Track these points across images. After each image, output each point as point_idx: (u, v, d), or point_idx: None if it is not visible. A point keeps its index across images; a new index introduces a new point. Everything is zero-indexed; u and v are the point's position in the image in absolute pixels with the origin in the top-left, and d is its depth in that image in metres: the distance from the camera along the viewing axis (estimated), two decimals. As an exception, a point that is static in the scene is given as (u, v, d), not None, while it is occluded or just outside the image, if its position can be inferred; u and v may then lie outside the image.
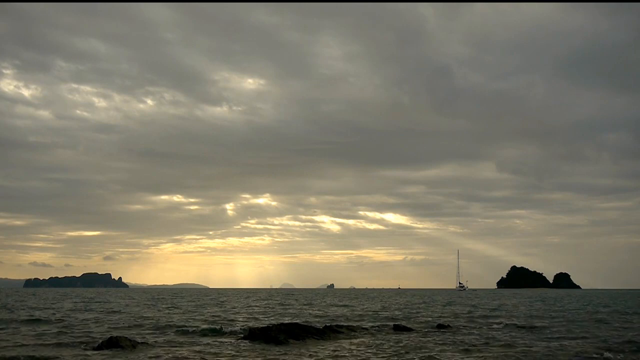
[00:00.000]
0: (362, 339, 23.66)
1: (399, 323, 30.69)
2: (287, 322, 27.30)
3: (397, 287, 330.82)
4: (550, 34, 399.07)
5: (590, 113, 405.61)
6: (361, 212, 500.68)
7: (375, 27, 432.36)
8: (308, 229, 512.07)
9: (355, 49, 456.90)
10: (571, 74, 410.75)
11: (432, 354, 19.38)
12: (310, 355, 18.98)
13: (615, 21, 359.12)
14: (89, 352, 19.55)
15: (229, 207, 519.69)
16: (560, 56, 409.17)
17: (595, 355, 19.34)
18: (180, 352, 19.46)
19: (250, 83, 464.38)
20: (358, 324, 30.93)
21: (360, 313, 42.50)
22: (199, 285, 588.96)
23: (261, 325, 26.40)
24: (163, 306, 53.85)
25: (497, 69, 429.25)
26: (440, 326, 29.94)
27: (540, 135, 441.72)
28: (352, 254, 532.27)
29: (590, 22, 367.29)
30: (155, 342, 22.04)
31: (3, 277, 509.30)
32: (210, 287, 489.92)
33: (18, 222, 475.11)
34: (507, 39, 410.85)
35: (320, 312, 43.66)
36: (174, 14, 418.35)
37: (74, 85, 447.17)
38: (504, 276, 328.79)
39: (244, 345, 21.45)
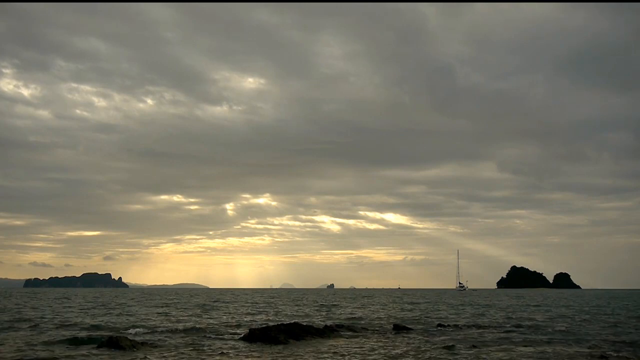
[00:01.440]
0: (362, 339, 23.67)
1: (398, 323, 30.73)
2: (287, 322, 27.30)
3: (397, 287, 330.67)
4: (551, 33, 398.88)
5: (590, 113, 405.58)
6: (361, 212, 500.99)
7: (376, 27, 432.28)
8: (308, 229, 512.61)
9: (356, 48, 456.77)
10: (572, 74, 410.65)
11: (431, 353, 19.40)
12: (310, 355, 18.99)
13: (616, 21, 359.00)
14: (89, 352, 19.57)
15: (229, 207, 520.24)
16: (561, 56, 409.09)
17: (594, 356, 19.35)
18: (180, 353, 19.48)
19: (250, 82, 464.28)
20: (358, 323, 30.95)
21: (360, 313, 42.51)
22: (199, 285, 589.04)
23: (261, 326, 26.42)
24: (163, 306, 53.87)
25: (497, 68, 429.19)
26: (440, 326, 29.97)
27: (540, 135, 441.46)
28: (352, 254, 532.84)
29: (591, 22, 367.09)
30: (155, 342, 22.04)
31: (3, 277, 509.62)
32: (210, 287, 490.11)
33: (18, 222, 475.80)
34: (508, 39, 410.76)
35: (320, 312, 43.68)
36: (174, 14, 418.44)
37: (74, 85, 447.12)
38: (504, 276, 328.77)
39: (244, 346, 21.47)
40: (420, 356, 18.91)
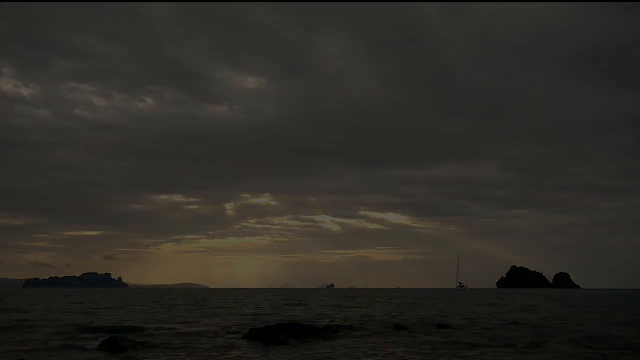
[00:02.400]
0: (363, 339, 23.65)
1: (399, 323, 30.71)
2: (287, 322, 27.28)
3: (397, 287, 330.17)
4: (553, 33, 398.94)
5: (591, 112, 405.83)
6: (361, 212, 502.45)
7: (377, 26, 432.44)
8: (308, 229, 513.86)
9: (357, 47, 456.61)
10: (573, 74, 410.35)
11: (432, 353, 19.39)
12: (310, 355, 18.98)
13: (620, 20, 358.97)
14: (89, 353, 19.56)
15: (229, 207, 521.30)
16: (562, 56, 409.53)
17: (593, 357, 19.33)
18: (180, 353, 19.47)
19: (251, 82, 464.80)
20: (358, 323, 30.93)
21: (360, 313, 42.47)
22: (199, 285, 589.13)
23: (261, 325, 26.39)
24: (164, 307, 53.86)
25: (498, 68, 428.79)
26: (440, 326, 29.92)
27: (541, 134, 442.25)
28: (352, 254, 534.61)
29: (592, 22, 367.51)
30: (155, 342, 22.02)
31: (3, 277, 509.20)
32: (211, 287, 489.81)
33: (18, 222, 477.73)
34: (509, 38, 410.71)
35: (321, 312, 43.64)
36: (174, 13, 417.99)
37: (74, 84, 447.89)
38: (504, 276, 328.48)
39: (244, 346, 21.46)
40: (420, 356, 18.90)
